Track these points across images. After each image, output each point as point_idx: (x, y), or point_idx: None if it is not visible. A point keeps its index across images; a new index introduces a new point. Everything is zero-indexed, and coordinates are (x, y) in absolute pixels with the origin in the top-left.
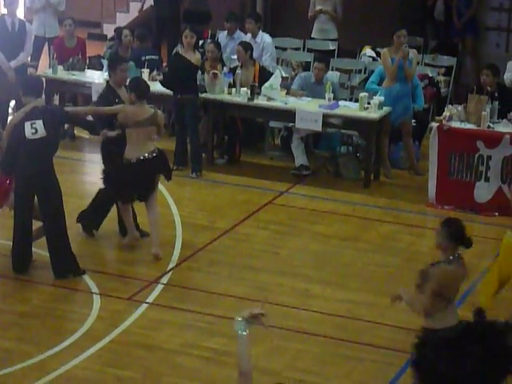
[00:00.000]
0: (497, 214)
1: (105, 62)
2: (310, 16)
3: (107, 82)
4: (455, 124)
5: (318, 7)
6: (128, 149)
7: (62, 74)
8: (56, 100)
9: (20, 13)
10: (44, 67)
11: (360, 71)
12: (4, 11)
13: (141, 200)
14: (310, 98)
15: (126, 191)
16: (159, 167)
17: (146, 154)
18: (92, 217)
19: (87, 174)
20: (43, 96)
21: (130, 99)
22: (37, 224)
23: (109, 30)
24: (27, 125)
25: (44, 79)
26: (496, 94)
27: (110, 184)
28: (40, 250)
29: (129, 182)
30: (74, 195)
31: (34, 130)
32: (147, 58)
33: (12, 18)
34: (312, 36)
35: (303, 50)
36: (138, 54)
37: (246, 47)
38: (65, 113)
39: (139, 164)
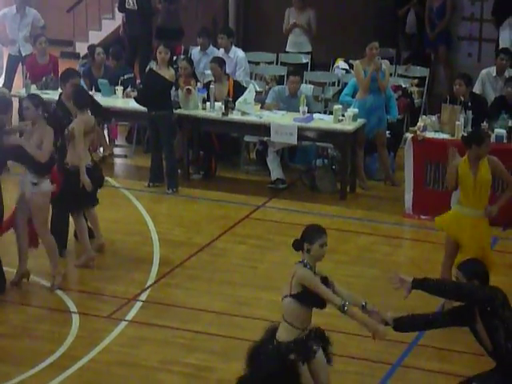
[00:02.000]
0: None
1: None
2: (284, 30)
3: (59, 95)
4: (429, 134)
5: (292, 21)
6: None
7: (35, 93)
8: None
9: None
10: (18, 87)
11: (334, 83)
12: None
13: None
14: (284, 112)
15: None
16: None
17: (89, 163)
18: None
19: None
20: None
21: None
22: None
23: (81, 49)
24: None
25: (18, 99)
26: (469, 104)
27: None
28: (16, 270)
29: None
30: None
31: None
32: (125, 77)
33: None
34: (286, 49)
35: (276, 63)
36: (112, 72)
37: (220, 63)
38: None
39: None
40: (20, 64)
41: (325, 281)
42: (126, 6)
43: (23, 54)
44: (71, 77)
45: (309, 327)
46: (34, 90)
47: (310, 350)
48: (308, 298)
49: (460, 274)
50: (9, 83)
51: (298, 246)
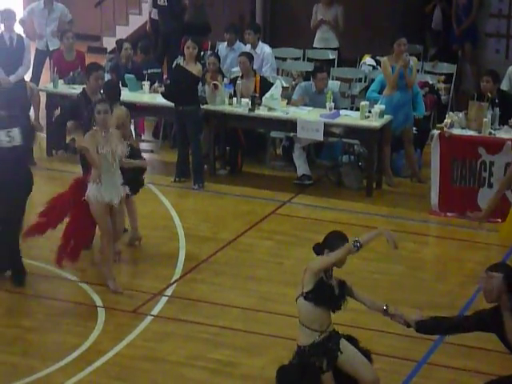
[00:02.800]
0: (500, 220)
1: (106, 75)
2: (312, 26)
3: (83, 88)
4: (456, 131)
5: (320, 17)
6: None
7: (62, 87)
8: (57, 114)
9: (18, 27)
10: (45, 81)
11: (360, 80)
12: (1, 27)
13: None
14: (310, 108)
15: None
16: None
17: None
18: None
19: None
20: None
21: None
22: None
23: (108, 43)
24: (2, 133)
25: (45, 93)
26: (496, 101)
27: None
28: (42, 264)
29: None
30: None
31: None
32: (149, 71)
33: (9, 33)
34: (314, 45)
35: (303, 59)
36: (139, 66)
37: (250, 57)
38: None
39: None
40: (48, 59)
41: (342, 285)
42: (158, 3)
43: (50, 49)
44: (95, 70)
45: (329, 329)
46: (61, 84)
47: (330, 351)
48: (321, 296)
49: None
50: (36, 77)
51: (318, 250)
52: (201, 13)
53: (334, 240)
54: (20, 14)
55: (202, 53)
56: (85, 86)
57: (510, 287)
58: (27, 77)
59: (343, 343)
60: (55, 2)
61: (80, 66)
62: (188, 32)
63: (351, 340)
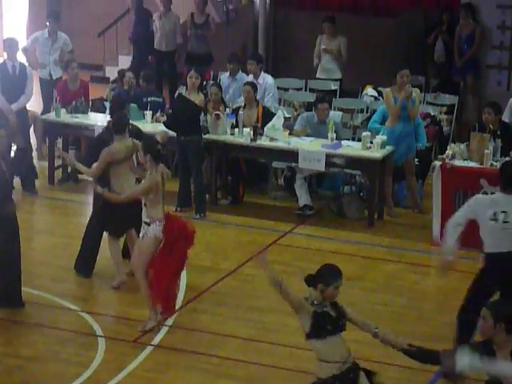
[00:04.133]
0: None
1: (108, 105)
2: (315, 56)
3: (108, 122)
4: (458, 162)
5: (323, 46)
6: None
7: (65, 117)
8: (59, 143)
9: (20, 56)
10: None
11: (362, 110)
12: (4, 56)
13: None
14: (312, 138)
15: (119, 223)
16: None
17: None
18: (84, 260)
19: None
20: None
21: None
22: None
23: (111, 73)
24: None
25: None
26: (498, 132)
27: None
28: (42, 293)
29: (121, 213)
30: (76, 237)
31: None
32: (149, 99)
33: (12, 61)
34: (317, 76)
35: (305, 90)
36: (140, 95)
37: (254, 87)
38: None
39: None
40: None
41: (335, 305)
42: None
43: (53, 78)
44: (122, 107)
45: (349, 359)
46: (63, 114)
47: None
48: (322, 328)
49: (488, 313)
50: (48, 108)
51: (311, 283)
52: (203, 43)
53: (329, 275)
54: (23, 42)
55: (204, 83)
56: (110, 120)
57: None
58: (38, 107)
59: (362, 378)
60: (59, 32)
61: (84, 95)
62: (191, 61)
63: (369, 374)
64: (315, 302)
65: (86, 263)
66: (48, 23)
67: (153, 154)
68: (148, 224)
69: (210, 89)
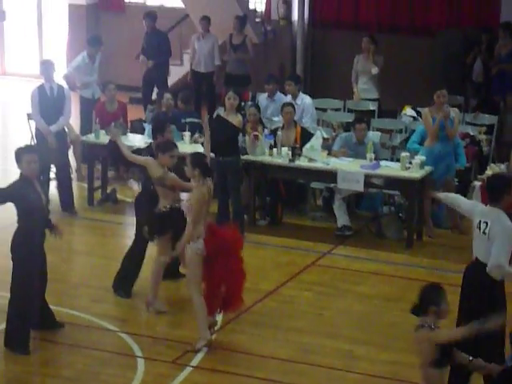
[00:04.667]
0: None
1: (147, 126)
2: (353, 77)
3: (151, 143)
4: None
5: (360, 68)
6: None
7: (104, 138)
8: (98, 164)
9: (58, 78)
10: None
11: (401, 131)
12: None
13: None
14: (351, 159)
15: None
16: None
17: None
18: (124, 281)
19: (129, 237)
20: None
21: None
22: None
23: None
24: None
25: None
26: None
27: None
28: (82, 314)
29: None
30: (114, 258)
31: None
32: (187, 120)
33: (50, 83)
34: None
35: (343, 110)
36: (178, 116)
37: (294, 108)
38: None
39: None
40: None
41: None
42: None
43: (95, 98)
44: (167, 126)
45: None
46: (102, 135)
47: None
48: (446, 359)
49: None
50: (86, 127)
51: (420, 311)
52: (242, 64)
53: (437, 295)
54: (62, 63)
55: (242, 103)
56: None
57: None
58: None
59: None
60: (98, 55)
61: (122, 117)
62: (229, 82)
63: None
64: (432, 325)
65: (125, 284)
66: (88, 47)
67: (201, 168)
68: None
69: (249, 110)
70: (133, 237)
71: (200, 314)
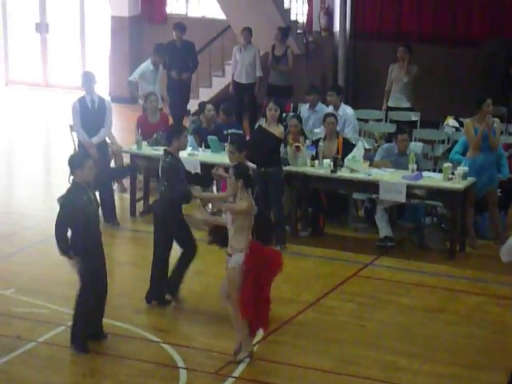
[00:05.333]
0: None
1: (189, 137)
2: (387, 86)
3: (167, 150)
4: None
5: (394, 76)
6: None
7: (146, 149)
8: (140, 175)
9: (99, 89)
10: (129, 143)
11: (443, 141)
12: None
13: None
14: (393, 169)
15: None
16: None
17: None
18: (155, 290)
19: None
20: None
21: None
22: None
23: (192, 105)
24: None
25: (129, 155)
26: None
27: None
28: (125, 324)
29: None
30: None
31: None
32: (229, 131)
33: (91, 95)
34: (388, 105)
35: (385, 121)
36: (220, 127)
37: (336, 119)
38: None
39: None
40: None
41: None
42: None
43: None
44: (183, 130)
45: None
46: (144, 146)
47: None
48: None
49: None
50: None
51: None
52: (283, 75)
53: None
54: (104, 74)
55: (284, 114)
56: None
57: None
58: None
59: None
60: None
61: (164, 128)
62: (271, 93)
63: None
64: None
65: (157, 292)
66: (153, 55)
67: (245, 179)
68: (230, 255)
69: (290, 121)
70: (175, 247)
71: (242, 326)
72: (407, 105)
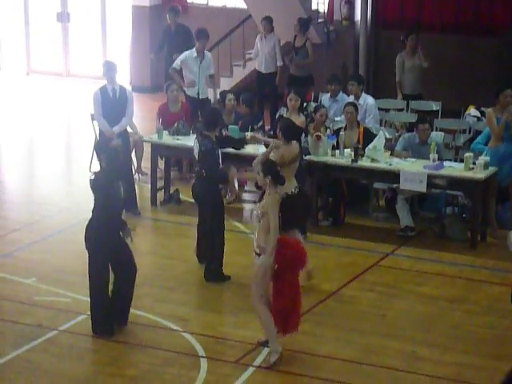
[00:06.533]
0: None
1: None
2: (397, 74)
3: (204, 134)
4: None
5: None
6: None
7: (166, 138)
8: (161, 164)
9: (120, 79)
10: (150, 132)
11: (465, 131)
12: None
13: None
14: (414, 159)
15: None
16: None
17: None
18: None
19: (192, 237)
20: None
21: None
22: None
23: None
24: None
25: (150, 144)
26: None
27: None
28: (145, 313)
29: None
30: (177, 258)
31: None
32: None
33: (112, 84)
34: (405, 93)
35: (406, 110)
36: (243, 118)
37: (356, 108)
38: None
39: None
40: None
41: None
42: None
43: (200, 97)
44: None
45: None
46: (165, 135)
47: None
48: None
49: None
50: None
51: None
52: (304, 66)
53: None
54: (125, 64)
55: (305, 104)
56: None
57: None
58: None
59: None
60: (206, 51)
61: (185, 117)
62: (291, 83)
63: None
64: None
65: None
66: (197, 42)
67: (273, 176)
68: (258, 255)
69: (320, 110)
70: (194, 237)
71: (269, 327)
72: (417, 91)
